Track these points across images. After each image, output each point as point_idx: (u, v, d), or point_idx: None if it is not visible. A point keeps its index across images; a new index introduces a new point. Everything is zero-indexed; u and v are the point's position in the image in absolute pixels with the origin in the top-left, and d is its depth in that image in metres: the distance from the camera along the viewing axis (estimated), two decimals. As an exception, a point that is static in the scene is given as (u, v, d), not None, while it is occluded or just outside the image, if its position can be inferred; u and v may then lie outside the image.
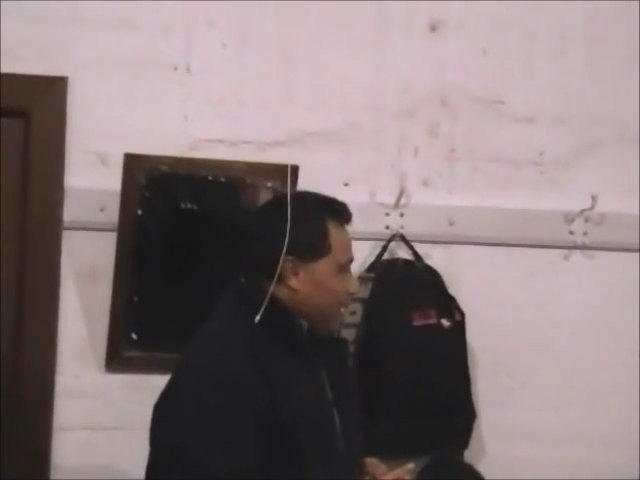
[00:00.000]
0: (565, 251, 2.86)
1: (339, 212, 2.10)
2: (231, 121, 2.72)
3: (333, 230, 2.08)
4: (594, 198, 2.84)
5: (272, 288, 2.03)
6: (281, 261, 2.04)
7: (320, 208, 2.10)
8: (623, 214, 2.83)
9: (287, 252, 2.04)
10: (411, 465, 2.06)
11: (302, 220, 2.06)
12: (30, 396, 2.65)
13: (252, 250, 2.11)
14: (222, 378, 1.96)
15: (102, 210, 2.66)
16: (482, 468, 2.69)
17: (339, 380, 2.14)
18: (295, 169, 2.66)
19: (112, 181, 2.64)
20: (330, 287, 2.07)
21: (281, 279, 2.06)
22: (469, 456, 2.75)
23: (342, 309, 2.14)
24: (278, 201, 2.12)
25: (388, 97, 2.79)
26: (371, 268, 2.72)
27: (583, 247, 2.86)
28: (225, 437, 1.91)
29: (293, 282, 2.06)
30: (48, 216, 2.68)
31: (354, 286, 2.13)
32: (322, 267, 2.07)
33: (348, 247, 2.11)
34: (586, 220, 2.84)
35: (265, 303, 2.03)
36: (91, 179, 2.67)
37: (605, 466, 2.80)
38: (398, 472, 2.07)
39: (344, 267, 2.10)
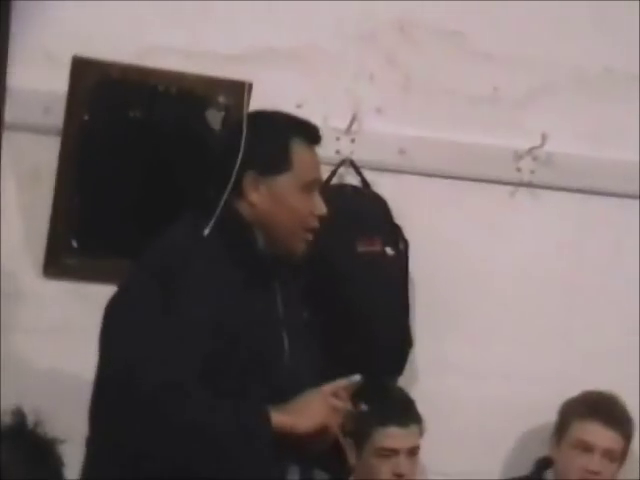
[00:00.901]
0: (511, 188, 2.86)
1: (306, 131, 2.11)
2: (187, 31, 2.66)
3: (297, 147, 2.08)
4: (544, 137, 2.84)
5: (224, 198, 2.03)
6: (234, 173, 2.04)
7: (285, 125, 2.11)
8: (571, 155, 2.84)
9: (248, 167, 2.05)
10: (357, 377, 2.06)
11: (265, 135, 2.07)
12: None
13: (213, 165, 2.12)
14: (166, 286, 1.96)
15: (46, 112, 2.59)
16: (415, 398, 2.71)
17: (292, 302, 2.15)
18: (250, 87, 2.63)
19: (59, 83, 2.56)
20: (290, 204, 2.07)
21: (243, 194, 2.06)
22: (403, 385, 2.76)
23: (307, 230, 2.11)
24: (246, 119, 2.12)
25: (348, 21, 2.75)
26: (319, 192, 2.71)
27: (529, 185, 2.86)
28: (161, 345, 1.92)
29: (253, 197, 2.06)
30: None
31: (321, 208, 2.11)
32: (282, 183, 2.07)
33: (314, 167, 2.12)
34: (534, 158, 2.85)
35: (216, 214, 2.03)
36: (36, 79, 2.59)
37: (534, 402, 2.84)
38: (341, 383, 2.07)
39: (308, 186, 2.09)
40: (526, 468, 2.84)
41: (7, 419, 1.96)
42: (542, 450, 2.82)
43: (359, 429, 2.40)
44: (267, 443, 1.93)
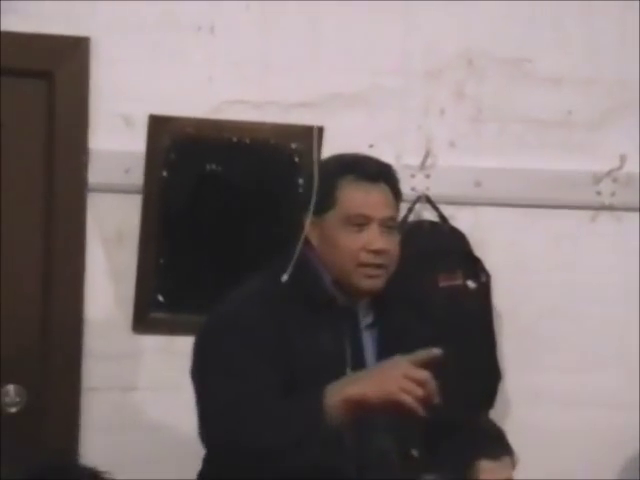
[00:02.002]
0: (592, 212, 2.84)
1: (357, 168, 2.10)
2: (256, 82, 2.71)
3: (344, 184, 2.08)
4: (622, 158, 2.81)
5: (299, 244, 2.07)
6: (308, 219, 2.07)
7: (335, 164, 2.14)
8: (652, 175, 2.82)
9: (308, 210, 2.09)
10: (437, 350, 1.92)
11: (318, 178, 2.10)
12: (59, 358, 2.67)
13: (288, 211, 2.16)
14: (239, 324, 2.02)
15: (127, 172, 2.67)
16: (506, 429, 2.68)
17: (367, 342, 2.13)
18: (320, 131, 2.66)
19: (137, 143, 2.65)
20: (336, 240, 2.08)
21: (307, 238, 2.11)
22: (494, 417, 2.74)
23: (361, 266, 2.07)
24: (317, 163, 2.16)
25: (414, 58, 2.77)
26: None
27: (610, 208, 2.83)
28: (235, 370, 1.97)
29: (313, 239, 2.10)
30: (73, 179, 2.69)
31: (374, 242, 2.07)
32: (329, 220, 2.09)
33: (362, 202, 2.08)
34: (614, 180, 2.82)
35: (293, 260, 2.07)
36: (115, 141, 2.68)
37: (628, 429, 2.80)
38: (419, 355, 1.92)
39: (353, 221, 2.07)
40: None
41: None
42: (641, 478, 2.78)
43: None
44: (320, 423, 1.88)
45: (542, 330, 2.82)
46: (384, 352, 2.10)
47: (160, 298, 2.69)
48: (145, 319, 2.68)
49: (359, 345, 2.11)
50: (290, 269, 2.08)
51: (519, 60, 2.80)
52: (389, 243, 2.10)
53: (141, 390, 2.69)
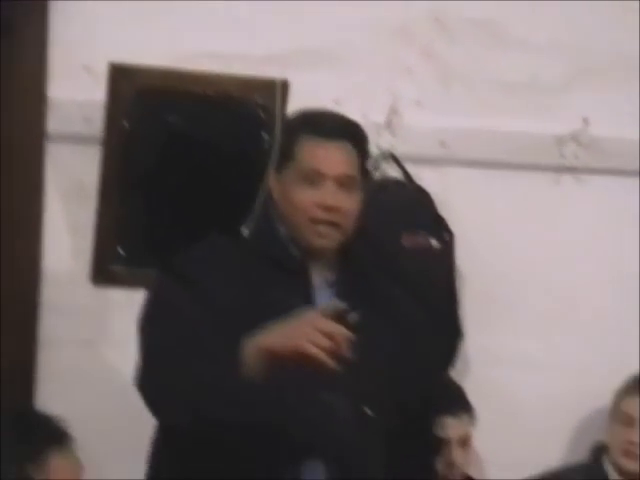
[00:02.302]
0: (555, 174, 2.84)
1: (315, 125, 2.09)
2: (222, 35, 2.66)
3: (302, 141, 2.08)
4: (585, 120, 2.82)
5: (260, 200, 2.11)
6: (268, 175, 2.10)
7: (297, 120, 2.14)
8: (615, 138, 2.82)
9: (271, 166, 2.11)
10: (339, 303, 1.93)
11: (280, 134, 2.13)
12: (15, 309, 2.62)
13: (251, 167, 2.16)
14: (192, 278, 2.02)
15: (87, 121, 2.61)
16: (466, 390, 2.71)
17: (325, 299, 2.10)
18: (284, 84, 2.64)
19: (98, 92, 2.59)
20: (291, 196, 2.07)
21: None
22: (453, 377, 2.76)
23: (313, 222, 2.06)
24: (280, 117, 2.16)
25: (382, 16, 2.73)
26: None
27: (574, 170, 2.84)
28: (182, 322, 1.97)
29: (275, 195, 2.11)
30: (31, 128, 2.62)
31: (327, 199, 2.05)
32: (287, 176, 2.09)
33: (320, 159, 2.07)
34: (578, 144, 2.82)
35: (254, 215, 2.13)
36: (75, 89, 2.61)
37: (584, 393, 2.83)
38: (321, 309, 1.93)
39: (309, 177, 2.06)
40: (581, 458, 2.83)
41: None
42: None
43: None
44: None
45: (503, 291, 2.82)
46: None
47: (121, 251, 2.64)
48: (105, 272, 2.64)
49: (312, 303, 2.09)
50: (250, 224, 2.08)
51: (488, 21, 2.77)
52: (344, 201, 2.08)
53: (100, 344, 2.65)
